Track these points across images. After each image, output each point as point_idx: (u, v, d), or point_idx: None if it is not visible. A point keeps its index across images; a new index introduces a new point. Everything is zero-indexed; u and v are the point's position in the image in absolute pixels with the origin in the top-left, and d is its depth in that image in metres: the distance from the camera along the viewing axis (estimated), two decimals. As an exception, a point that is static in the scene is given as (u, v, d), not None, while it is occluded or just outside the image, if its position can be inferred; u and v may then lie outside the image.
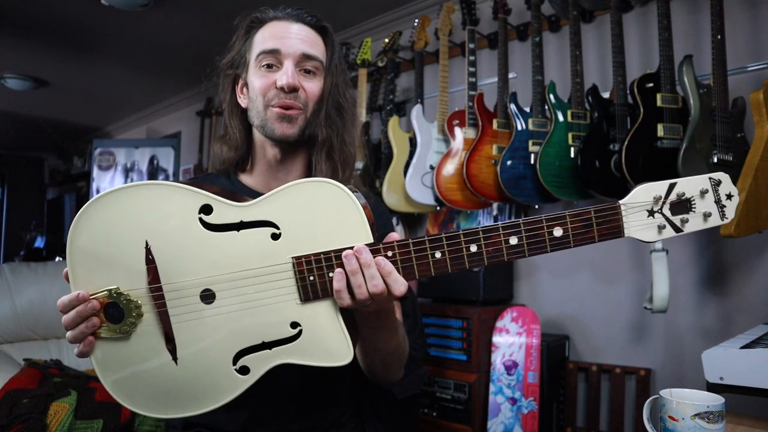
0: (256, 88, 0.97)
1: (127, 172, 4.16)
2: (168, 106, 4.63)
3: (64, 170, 6.35)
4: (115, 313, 0.78)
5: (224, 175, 1.08)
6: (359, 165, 2.54)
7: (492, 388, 1.98)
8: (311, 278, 0.76)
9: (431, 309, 2.16)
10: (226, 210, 0.78)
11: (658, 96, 1.73)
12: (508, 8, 2.25)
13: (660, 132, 1.71)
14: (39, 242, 6.06)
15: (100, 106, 4.78)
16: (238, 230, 0.78)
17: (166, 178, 4.06)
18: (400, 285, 0.74)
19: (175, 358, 0.79)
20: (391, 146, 2.49)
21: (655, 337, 1.98)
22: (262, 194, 0.79)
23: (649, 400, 0.88)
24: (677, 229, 0.72)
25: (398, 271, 0.75)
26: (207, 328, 0.79)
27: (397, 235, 0.79)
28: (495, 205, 2.33)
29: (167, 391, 0.80)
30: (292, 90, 0.95)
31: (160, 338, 0.80)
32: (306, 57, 0.97)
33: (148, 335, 0.80)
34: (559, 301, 2.24)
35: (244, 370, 0.79)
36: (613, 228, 0.72)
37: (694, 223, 0.72)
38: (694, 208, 0.72)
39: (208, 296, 0.79)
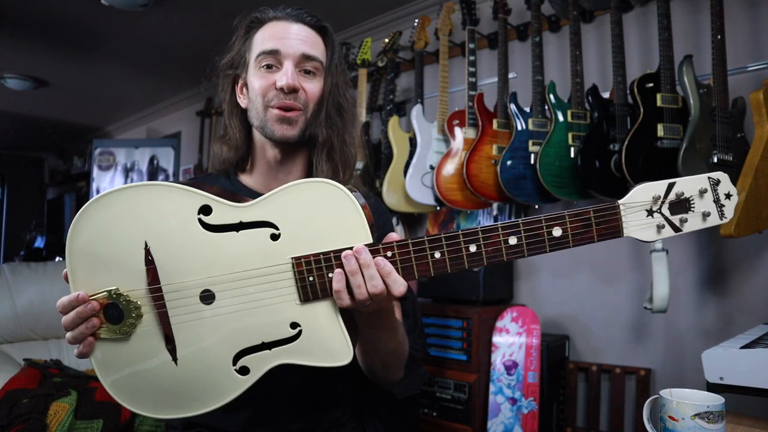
0: (256, 88, 0.96)
1: (127, 172, 4.16)
2: (168, 106, 4.63)
3: (64, 170, 6.35)
4: (115, 313, 0.78)
5: (224, 175, 1.08)
6: (359, 165, 2.54)
7: (492, 388, 1.98)
8: (311, 279, 0.76)
9: (431, 309, 2.16)
10: (225, 210, 0.78)
11: (658, 96, 1.73)
12: (508, 8, 2.25)
13: (660, 132, 1.71)
14: (39, 242, 6.06)
15: (100, 106, 4.78)
16: (238, 231, 0.78)
17: (166, 178, 4.06)
18: (399, 285, 0.75)
19: (174, 359, 0.79)
20: (391, 146, 2.49)
21: (655, 337, 1.98)
22: (262, 194, 0.79)
23: (649, 400, 0.88)
24: (676, 229, 0.72)
25: (398, 272, 0.75)
26: (207, 328, 0.79)
27: (396, 235, 0.79)
28: (495, 205, 2.33)
29: (167, 392, 0.80)
30: (292, 91, 0.95)
31: (159, 339, 0.80)
32: (306, 57, 0.97)
33: (148, 336, 0.80)
34: (559, 301, 2.24)
35: (244, 371, 0.79)
36: (612, 228, 0.72)
37: (693, 223, 0.72)
38: (693, 207, 0.72)
39: (207, 297, 0.79)
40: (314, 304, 0.78)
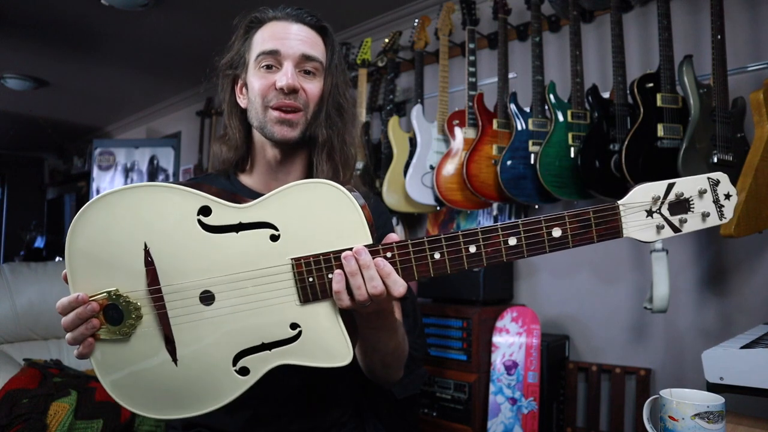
0: (256, 89, 0.96)
1: (127, 172, 4.16)
2: (168, 106, 4.63)
3: (64, 170, 6.35)
4: (115, 314, 0.78)
5: (224, 175, 1.07)
6: (359, 165, 2.54)
7: (492, 388, 1.98)
8: (310, 279, 0.76)
9: (431, 309, 2.16)
10: (224, 211, 0.78)
11: (658, 96, 1.73)
12: (508, 8, 2.25)
13: (660, 132, 1.71)
14: (39, 242, 6.07)
15: (100, 106, 4.78)
16: (237, 231, 0.78)
17: (166, 178, 4.06)
18: (399, 286, 0.75)
19: (174, 360, 0.79)
20: (391, 146, 2.49)
21: (655, 337, 1.98)
22: (262, 195, 0.79)
23: (649, 400, 0.88)
24: (676, 230, 0.72)
25: (397, 272, 0.75)
26: (206, 329, 0.79)
27: (396, 235, 0.79)
28: (495, 205, 2.33)
29: (167, 392, 0.80)
30: (292, 91, 0.95)
31: (159, 340, 0.80)
32: (306, 58, 0.97)
33: (148, 337, 0.80)
34: (559, 301, 2.24)
35: (244, 371, 0.79)
36: (611, 228, 0.73)
37: (692, 223, 0.72)
38: (693, 208, 0.72)
39: (207, 298, 0.79)
40: (314, 305, 0.78)
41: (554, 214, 0.73)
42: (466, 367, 2.02)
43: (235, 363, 0.79)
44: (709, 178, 0.72)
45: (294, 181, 0.78)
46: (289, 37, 0.97)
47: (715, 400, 0.81)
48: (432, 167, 2.34)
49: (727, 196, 0.72)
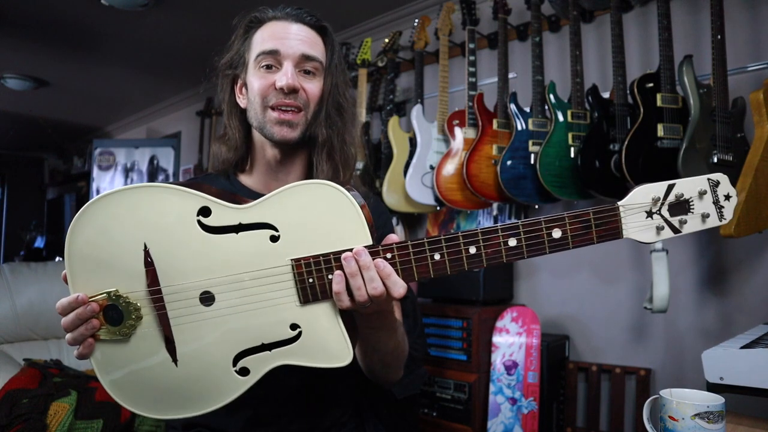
0: (255, 89, 0.96)
1: (127, 172, 4.16)
2: (168, 106, 4.63)
3: (64, 170, 6.35)
4: (115, 315, 0.78)
5: (223, 175, 1.07)
6: (359, 165, 2.54)
7: (492, 388, 1.98)
8: (310, 280, 0.76)
9: (431, 309, 2.16)
10: (224, 212, 0.78)
11: (658, 96, 1.73)
12: (508, 8, 2.25)
13: (660, 132, 1.71)
14: (39, 242, 6.07)
15: (100, 106, 4.78)
16: (237, 232, 0.78)
17: (166, 178, 4.06)
18: (399, 287, 0.75)
19: (174, 360, 0.80)
20: (391, 146, 2.49)
21: (655, 337, 1.98)
22: (262, 195, 0.79)
23: (649, 400, 0.88)
24: (675, 230, 0.72)
25: (397, 273, 0.75)
26: (206, 329, 0.79)
27: (396, 236, 0.79)
28: (495, 205, 2.33)
29: (167, 393, 0.81)
30: (292, 91, 0.95)
31: (159, 340, 0.80)
32: (306, 58, 0.97)
33: (148, 337, 0.80)
34: (559, 301, 2.24)
35: (244, 372, 0.79)
36: (611, 229, 0.73)
37: (692, 224, 0.72)
38: (693, 209, 0.72)
39: (207, 298, 0.79)
40: (314, 306, 0.78)
41: (554, 215, 0.73)
42: (466, 367, 2.02)
43: (235, 363, 0.79)
44: (709, 179, 0.72)
45: (294, 181, 0.79)
46: (288, 37, 0.97)
47: (715, 400, 0.81)
48: (432, 167, 2.34)
49: (727, 197, 0.72)
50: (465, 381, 2.00)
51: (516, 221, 0.73)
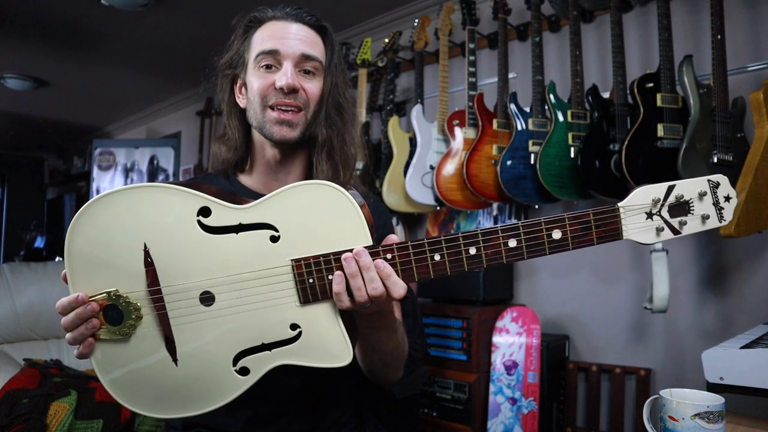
0: (255, 88, 0.96)
1: (127, 172, 4.16)
2: (168, 106, 4.63)
3: (64, 170, 6.35)
4: (115, 315, 0.78)
5: (223, 175, 1.07)
6: (359, 165, 2.54)
7: (492, 388, 1.98)
8: (310, 281, 0.76)
9: (431, 309, 2.16)
10: (224, 212, 0.78)
11: (658, 96, 1.73)
12: (508, 8, 2.25)
13: (660, 132, 1.71)
14: (39, 242, 6.07)
15: (100, 106, 4.78)
16: (237, 233, 0.78)
17: (166, 178, 4.06)
18: (399, 288, 0.75)
19: (174, 360, 0.80)
20: (391, 146, 2.49)
21: (655, 337, 1.98)
22: (262, 195, 0.79)
23: (649, 400, 0.88)
24: (675, 232, 0.72)
25: (397, 274, 0.75)
26: (207, 329, 0.79)
27: (396, 237, 0.79)
28: (495, 205, 2.33)
29: (167, 392, 0.81)
30: (292, 91, 0.95)
31: (159, 340, 0.80)
32: (305, 57, 0.97)
33: (148, 337, 0.80)
34: (559, 301, 2.24)
35: (244, 371, 0.79)
36: (611, 230, 0.73)
37: (692, 226, 0.72)
38: (693, 210, 0.72)
39: (207, 298, 0.79)
40: (314, 306, 0.78)
41: (554, 216, 0.73)
42: (466, 367, 2.02)
43: (235, 363, 0.79)
44: (709, 181, 0.72)
45: (294, 181, 0.79)
46: (288, 37, 0.96)
47: (715, 400, 0.81)
48: (432, 167, 2.34)
49: (727, 199, 0.72)
50: (465, 381, 2.00)
51: (516, 222, 0.73)
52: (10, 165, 6.63)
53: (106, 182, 4.15)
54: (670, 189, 0.72)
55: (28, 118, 5.01)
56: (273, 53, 0.95)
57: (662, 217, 0.72)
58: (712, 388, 1.06)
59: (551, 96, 2.01)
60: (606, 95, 1.96)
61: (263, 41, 0.97)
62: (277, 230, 0.77)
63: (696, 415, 0.78)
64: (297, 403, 1.01)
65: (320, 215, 0.76)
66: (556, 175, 1.95)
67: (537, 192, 2.03)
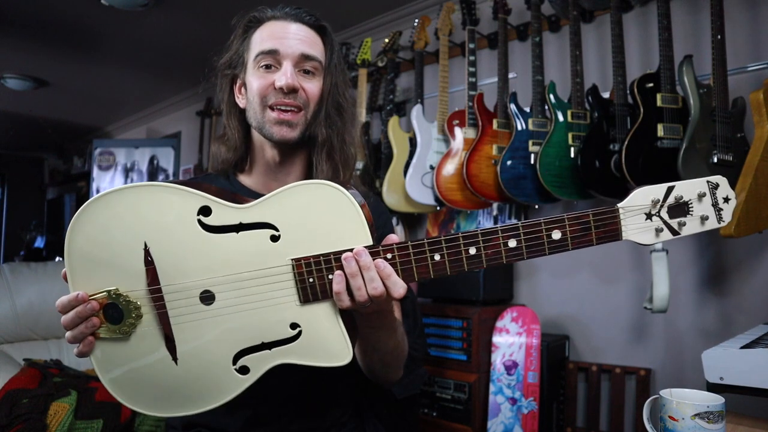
0: (254, 88, 0.96)
1: (127, 172, 4.16)
2: (168, 106, 4.63)
3: (64, 170, 6.35)
4: (115, 313, 0.78)
5: (223, 175, 1.07)
6: (359, 165, 2.55)
7: (492, 388, 1.98)
8: (311, 280, 0.77)
9: (431, 309, 2.16)
10: (224, 211, 0.79)
11: (658, 96, 1.73)
12: (508, 8, 2.25)
13: (660, 132, 1.71)
14: (39, 242, 6.07)
15: (100, 106, 4.78)
16: (237, 232, 0.78)
17: (166, 178, 4.06)
18: (399, 287, 0.75)
19: (174, 359, 0.80)
20: (391, 146, 2.49)
21: (655, 337, 1.98)
22: (262, 195, 0.79)
23: (649, 400, 0.88)
24: (674, 233, 0.72)
25: (397, 274, 0.75)
26: (207, 328, 0.79)
27: (396, 236, 0.79)
28: (495, 205, 2.33)
29: (167, 391, 0.81)
30: (292, 91, 0.95)
31: (159, 339, 0.80)
32: (305, 57, 0.97)
33: (148, 336, 0.80)
34: (559, 301, 2.24)
35: (243, 370, 0.79)
36: (611, 231, 0.73)
37: (691, 226, 0.72)
38: (692, 211, 0.72)
39: (207, 297, 0.79)
40: (314, 305, 0.78)
41: (554, 217, 0.73)
42: (466, 367, 2.02)
43: (235, 362, 0.79)
44: (708, 182, 0.72)
45: (293, 181, 0.79)
46: (288, 37, 0.96)
47: (715, 400, 0.81)
48: (432, 167, 2.34)
49: (726, 200, 0.72)
50: (465, 381, 2.00)
51: (516, 222, 0.73)
52: (10, 165, 6.63)
53: (106, 182, 4.15)
54: (670, 190, 0.72)
55: (28, 118, 5.01)
56: (272, 53, 0.95)
57: (661, 218, 0.72)
58: (712, 388, 1.06)
59: (551, 96, 2.01)
60: (606, 95, 1.96)
61: (263, 41, 0.97)
62: (277, 230, 0.77)
63: (696, 415, 0.78)
64: (297, 402, 1.01)
65: (320, 215, 0.76)
66: (556, 175, 1.95)
67: (537, 192, 2.03)
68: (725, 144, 1.65)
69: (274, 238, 0.77)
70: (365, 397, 1.17)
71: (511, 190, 2.03)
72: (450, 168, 2.23)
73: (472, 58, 2.27)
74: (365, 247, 0.75)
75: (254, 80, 0.97)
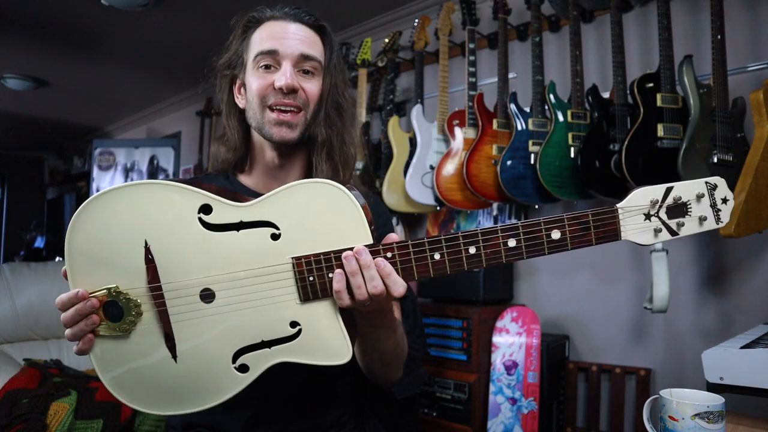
0: (254, 89, 0.96)
1: (127, 172, 4.16)
2: (168, 106, 4.63)
3: (64, 170, 6.35)
4: (115, 311, 0.79)
5: (223, 175, 1.07)
6: (359, 165, 2.55)
7: (492, 388, 1.98)
8: (311, 279, 0.77)
9: (431, 309, 2.16)
10: (225, 210, 0.79)
11: (658, 96, 1.73)
12: (508, 8, 2.25)
13: (660, 132, 1.71)
14: (39, 242, 6.07)
15: (100, 106, 4.78)
16: (238, 230, 0.78)
17: (166, 178, 4.06)
18: (399, 286, 0.75)
19: (174, 357, 0.80)
20: (391, 146, 2.49)
21: (655, 337, 1.98)
22: (262, 194, 0.79)
23: (649, 400, 0.88)
24: (673, 233, 0.73)
25: (397, 273, 0.75)
26: (206, 326, 0.79)
27: (396, 236, 0.79)
28: (495, 205, 2.33)
29: (167, 389, 0.81)
30: (291, 91, 0.95)
31: (159, 337, 0.80)
32: (304, 57, 0.97)
33: (148, 334, 0.80)
34: (559, 301, 2.24)
35: (243, 368, 0.79)
36: (610, 231, 0.73)
37: (689, 227, 0.73)
38: (690, 211, 0.73)
39: (207, 296, 0.79)
40: (314, 304, 0.78)
41: (553, 217, 0.73)
42: (466, 367, 2.02)
43: (234, 360, 0.79)
44: (707, 183, 0.72)
45: (293, 181, 0.78)
46: (287, 37, 0.96)
47: (715, 400, 0.81)
48: (432, 167, 2.34)
49: (725, 201, 0.73)
50: (465, 381, 2.00)
51: (516, 222, 0.73)
52: (10, 165, 6.63)
53: (106, 182, 4.16)
54: (668, 191, 0.72)
55: (28, 118, 5.01)
56: (272, 53, 0.95)
57: (660, 219, 0.72)
58: (712, 388, 1.06)
59: (551, 96, 2.01)
60: (606, 95, 1.96)
61: (262, 41, 0.97)
62: (277, 228, 0.77)
63: (696, 415, 0.78)
64: (296, 402, 1.01)
65: (321, 213, 0.76)
66: (556, 175, 1.95)
67: (537, 192, 2.03)
68: (725, 144, 1.65)
69: (275, 237, 0.77)
70: (365, 397, 1.17)
71: (511, 190, 2.03)
72: (450, 168, 2.23)
73: (472, 58, 2.27)
74: (365, 245, 0.75)
75: (254, 80, 0.97)
